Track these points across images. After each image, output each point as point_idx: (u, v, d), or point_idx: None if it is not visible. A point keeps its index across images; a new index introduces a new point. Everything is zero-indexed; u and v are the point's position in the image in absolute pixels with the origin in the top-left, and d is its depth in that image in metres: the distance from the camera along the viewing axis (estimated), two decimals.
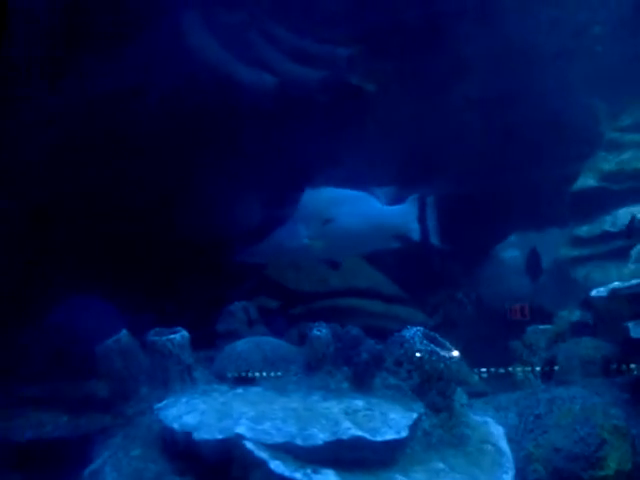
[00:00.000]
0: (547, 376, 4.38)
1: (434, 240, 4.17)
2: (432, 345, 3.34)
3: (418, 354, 3.30)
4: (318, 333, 3.36)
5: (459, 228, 6.41)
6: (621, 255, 5.70)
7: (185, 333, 3.43)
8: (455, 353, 3.42)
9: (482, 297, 6.93)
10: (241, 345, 3.58)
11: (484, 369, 4.59)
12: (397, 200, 4.30)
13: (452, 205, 6.41)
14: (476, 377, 4.73)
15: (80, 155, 4.08)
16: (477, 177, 6.29)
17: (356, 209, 4.12)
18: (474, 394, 4.22)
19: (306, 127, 4.81)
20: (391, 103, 5.58)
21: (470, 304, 6.58)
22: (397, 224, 4.12)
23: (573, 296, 5.77)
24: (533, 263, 5.82)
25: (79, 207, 4.14)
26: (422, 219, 4.03)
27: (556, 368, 4.35)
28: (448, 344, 3.45)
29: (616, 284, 4.65)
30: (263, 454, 2.81)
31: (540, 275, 5.85)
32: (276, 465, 2.77)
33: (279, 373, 3.42)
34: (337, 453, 2.88)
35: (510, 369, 4.74)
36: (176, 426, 3.03)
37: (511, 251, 7.35)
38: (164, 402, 3.22)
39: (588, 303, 5.03)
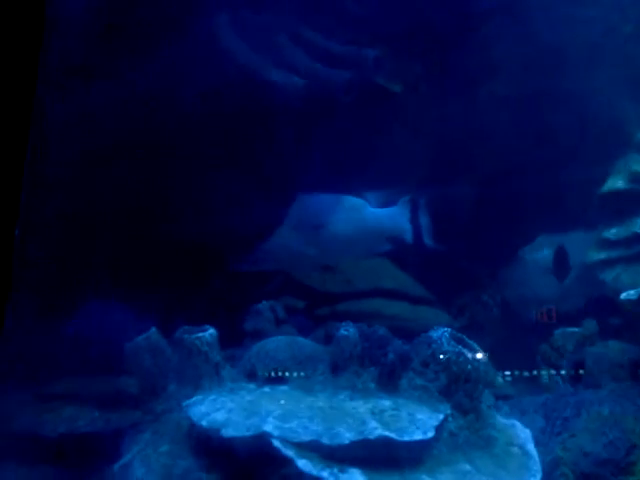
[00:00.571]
0: (575, 379, 4.34)
1: (427, 241, 4.16)
2: (460, 346, 3.34)
3: (446, 355, 3.29)
4: (345, 333, 3.38)
5: (485, 229, 6.39)
6: None
7: (213, 331, 3.48)
8: (482, 355, 3.41)
9: (508, 300, 6.87)
10: (269, 344, 3.61)
11: (509, 372, 4.56)
12: (389, 203, 4.28)
13: (479, 206, 6.41)
14: (502, 380, 4.70)
15: (115, 157, 4.15)
16: (504, 177, 6.24)
17: (347, 214, 4.11)
18: (500, 397, 4.20)
19: (329, 128, 4.82)
20: (418, 104, 5.57)
21: (496, 306, 6.53)
22: (389, 227, 4.11)
23: (605, 300, 5.69)
24: (560, 261, 5.75)
25: (113, 208, 4.21)
26: (414, 221, 4.02)
27: (583, 371, 4.31)
28: (475, 345, 3.44)
29: None
30: (290, 452, 2.84)
31: (568, 274, 5.79)
32: (303, 463, 2.80)
33: (306, 372, 3.44)
34: (363, 453, 2.90)
35: (536, 372, 4.70)
36: (204, 423, 3.07)
37: (538, 253, 7.27)
38: (192, 399, 3.27)
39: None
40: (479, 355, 3.37)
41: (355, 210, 3.99)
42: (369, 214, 4.01)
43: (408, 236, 4.03)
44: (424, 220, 4.08)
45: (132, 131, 4.13)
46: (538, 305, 6.11)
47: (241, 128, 4.47)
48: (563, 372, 4.52)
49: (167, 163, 4.26)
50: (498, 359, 5.14)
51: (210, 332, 3.45)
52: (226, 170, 4.49)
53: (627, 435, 3.33)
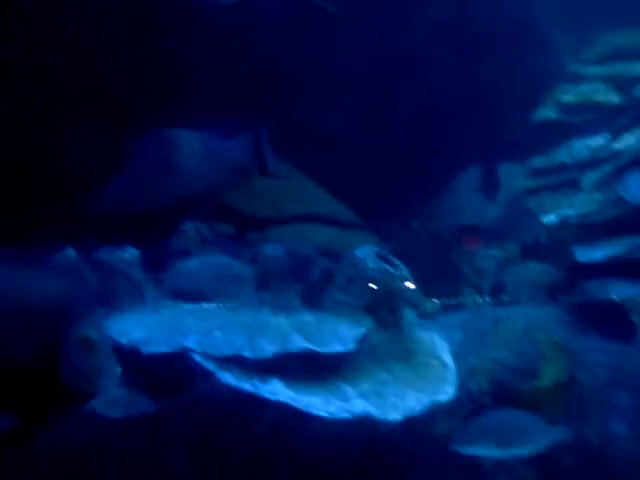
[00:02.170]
0: (494, 298, 4.51)
1: (270, 167, 4.17)
2: (383, 264, 3.39)
3: (370, 272, 3.34)
4: (270, 252, 3.36)
5: (417, 158, 6.44)
6: (575, 186, 5.79)
7: (134, 250, 3.39)
8: (405, 272, 3.47)
9: (438, 227, 7.03)
10: (192, 263, 3.56)
11: (436, 297, 4.71)
12: (234, 135, 4.20)
13: (411, 134, 6.43)
14: (427, 302, 4.85)
15: None
16: (437, 106, 6.25)
17: (193, 149, 4.01)
18: (424, 315, 4.34)
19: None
20: (353, 29, 5.45)
21: (425, 233, 6.66)
22: (233, 159, 4.06)
23: (528, 225, 5.90)
24: (489, 180, 5.90)
25: None
26: (258, 151, 3.99)
27: (502, 291, 4.48)
28: (400, 264, 3.50)
29: (566, 211, 4.77)
30: (211, 366, 2.85)
31: (497, 192, 5.95)
32: (224, 376, 2.81)
33: (231, 291, 3.43)
34: (285, 365, 2.93)
35: (461, 299, 4.86)
36: (124, 340, 3.02)
37: (469, 183, 7.40)
38: (112, 318, 3.21)
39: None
40: (403, 272, 3.43)
41: (201, 144, 3.88)
42: (214, 147, 3.90)
43: (252, 167, 3.99)
44: (267, 150, 4.05)
45: None
46: (467, 233, 6.28)
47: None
48: (484, 291, 4.71)
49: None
50: (426, 283, 5.29)
51: (130, 251, 3.36)
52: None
53: (537, 346, 3.51)
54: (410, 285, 3.85)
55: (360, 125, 6.16)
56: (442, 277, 5.99)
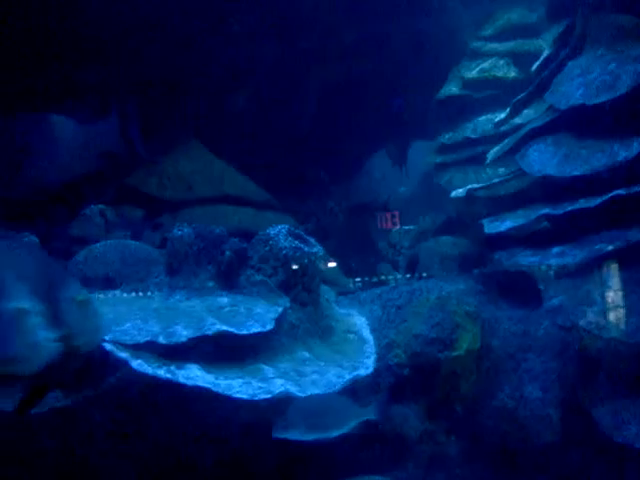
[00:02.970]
0: (410, 272, 4.59)
1: (140, 150, 4.07)
2: (297, 242, 3.34)
3: (283, 250, 3.28)
4: (179, 232, 3.24)
5: (332, 137, 6.42)
6: (481, 160, 5.96)
7: (33, 237, 3.17)
8: (318, 249, 3.44)
9: (354, 207, 7.08)
10: (97, 248, 3.38)
11: (355, 276, 4.73)
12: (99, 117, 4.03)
13: (325, 113, 6.40)
14: (346, 280, 4.87)
15: None
16: (345, 87, 6.25)
17: (54, 134, 3.80)
18: (343, 293, 4.35)
19: None
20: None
21: (341, 213, 6.69)
22: (100, 141, 3.90)
23: (439, 201, 6.03)
24: (402, 161, 6.02)
25: None
26: (125, 130, 3.85)
27: (416, 264, 4.56)
28: (313, 241, 3.47)
29: (472, 185, 4.90)
30: (123, 354, 2.72)
31: (405, 160, 6.07)
32: (138, 364, 2.70)
33: (140, 275, 3.28)
34: (202, 349, 2.85)
35: (379, 276, 4.91)
36: None
37: (380, 162, 7.49)
38: None
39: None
40: (316, 249, 3.40)
41: (61, 129, 3.67)
42: (77, 131, 3.70)
43: (120, 148, 3.82)
44: (134, 129, 3.90)
45: None
46: (381, 211, 6.36)
47: None
48: (400, 267, 4.77)
49: None
50: (344, 262, 5.32)
51: (29, 238, 3.13)
52: None
53: (451, 316, 3.60)
54: (331, 264, 3.82)
55: (270, 108, 6.07)
56: (360, 255, 6.05)
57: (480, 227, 4.35)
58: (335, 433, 2.80)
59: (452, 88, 6.43)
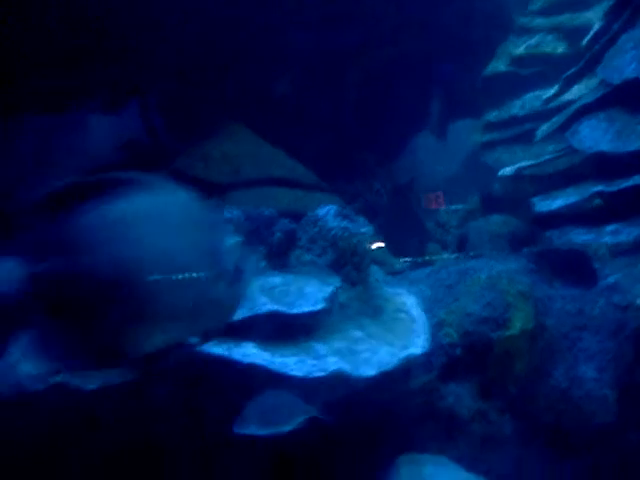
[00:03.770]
0: (459, 252, 4.55)
1: (163, 138, 4.06)
2: (345, 221, 3.35)
3: (332, 230, 3.30)
4: (229, 215, 3.28)
5: (375, 119, 6.39)
6: (529, 138, 5.85)
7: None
8: (368, 228, 3.45)
9: (399, 187, 7.04)
10: None
11: (403, 256, 4.71)
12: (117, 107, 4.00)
13: (367, 96, 6.37)
14: (395, 260, 4.84)
15: None
16: (392, 68, 6.20)
17: (74, 130, 3.81)
18: (391, 272, 4.34)
19: None
20: None
21: (387, 193, 6.67)
22: (122, 131, 3.89)
23: (487, 180, 5.95)
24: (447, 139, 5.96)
25: None
26: (146, 120, 3.82)
27: (466, 244, 4.51)
28: (362, 220, 3.47)
29: (521, 164, 4.82)
30: None
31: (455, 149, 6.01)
32: (196, 342, 2.76)
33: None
34: (256, 328, 2.89)
35: (428, 256, 4.87)
36: None
37: (426, 141, 7.41)
38: None
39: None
40: (365, 229, 3.40)
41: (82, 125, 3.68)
42: (98, 124, 3.70)
43: (143, 138, 3.81)
44: (156, 118, 3.89)
45: None
46: (427, 191, 6.31)
47: None
48: (448, 246, 4.73)
49: None
50: (392, 242, 5.30)
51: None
52: None
53: (503, 295, 3.56)
54: (378, 244, 3.82)
55: (313, 89, 6.07)
56: (407, 235, 6.02)
57: (530, 205, 4.28)
58: (287, 428, 2.85)
59: (499, 65, 6.30)
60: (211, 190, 4.72)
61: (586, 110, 4.49)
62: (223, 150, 5.13)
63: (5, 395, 2.98)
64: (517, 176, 4.78)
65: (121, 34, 4.45)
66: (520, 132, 5.92)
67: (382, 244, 4.41)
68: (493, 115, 6.17)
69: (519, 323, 3.45)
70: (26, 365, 2.99)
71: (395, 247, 5.22)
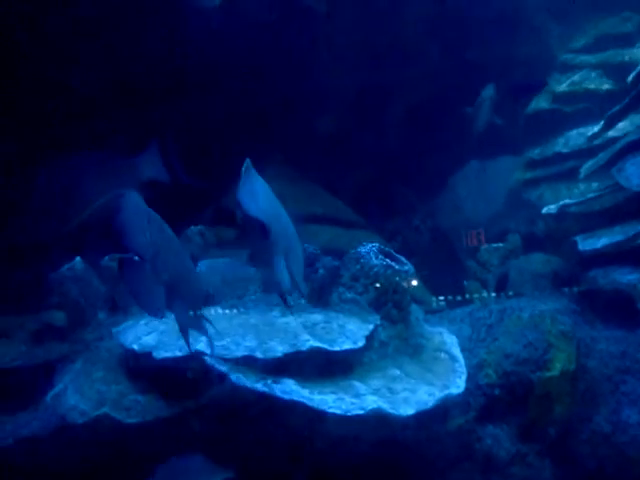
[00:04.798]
0: (499, 291, 4.53)
1: (182, 176, 4.15)
2: (387, 260, 3.41)
3: (374, 269, 3.36)
4: None
5: (416, 156, 6.46)
6: (573, 176, 5.82)
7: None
8: (409, 267, 3.49)
9: (439, 224, 7.05)
10: (199, 267, 3.58)
11: (442, 295, 4.72)
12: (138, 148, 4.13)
13: (408, 133, 6.46)
14: (433, 298, 4.86)
15: None
16: (434, 102, 6.28)
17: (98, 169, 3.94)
18: (430, 311, 4.36)
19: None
20: (343, 25, 5.47)
21: (427, 231, 6.69)
22: (142, 172, 3.99)
23: (529, 218, 5.92)
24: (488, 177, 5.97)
25: None
26: (166, 160, 3.93)
27: (507, 283, 4.49)
28: (403, 259, 3.52)
29: (565, 201, 4.79)
30: (224, 368, 2.87)
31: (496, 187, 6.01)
32: (237, 377, 2.84)
33: (238, 293, 3.44)
34: (297, 364, 2.96)
35: (467, 296, 4.86)
36: (136, 347, 3.05)
37: (466, 178, 7.43)
38: (122, 325, 3.23)
39: None
40: (407, 267, 3.45)
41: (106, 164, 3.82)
42: (120, 165, 3.84)
43: (164, 177, 3.93)
44: (174, 158, 4.01)
45: None
46: (468, 229, 6.31)
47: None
48: (489, 285, 4.72)
49: None
50: (431, 280, 5.31)
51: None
52: None
53: (544, 336, 3.53)
54: (414, 282, 3.86)
55: (354, 125, 6.19)
56: (446, 273, 6.02)
57: (573, 244, 4.25)
58: None
59: (541, 102, 6.32)
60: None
61: (632, 147, 4.47)
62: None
63: (50, 427, 3.11)
64: (561, 214, 4.75)
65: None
66: (564, 169, 5.90)
67: (418, 282, 4.43)
68: (536, 152, 6.16)
69: (560, 364, 3.41)
70: (71, 398, 3.11)
71: (433, 285, 5.24)
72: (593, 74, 6.27)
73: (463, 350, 3.53)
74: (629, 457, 3.22)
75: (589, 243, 4.10)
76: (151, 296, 2.37)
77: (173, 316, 3.22)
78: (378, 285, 3.38)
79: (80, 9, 4.15)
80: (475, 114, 5.98)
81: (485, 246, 5.17)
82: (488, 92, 5.89)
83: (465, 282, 5.26)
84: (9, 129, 4.21)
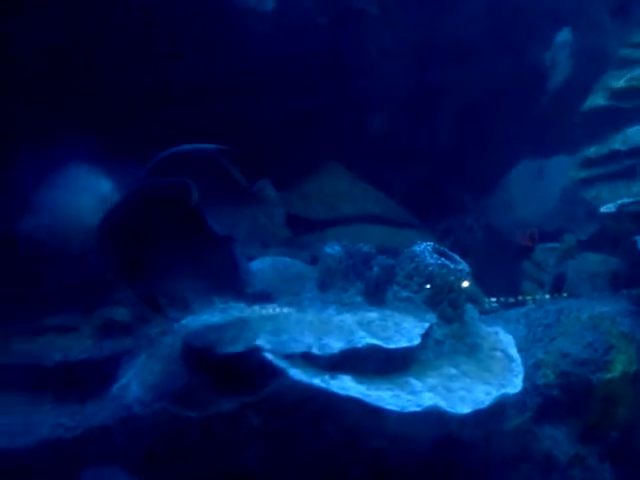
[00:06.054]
0: (556, 291, 4.47)
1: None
2: (442, 258, 3.42)
3: (429, 267, 3.37)
4: (330, 250, 3.43)
5: (468, 155, 6.42)
6: (632, 174, 5.67)
7: None
8: (465, 266, 3.49)
9: (493, 224, 6.97)
10: (256, 264, 3.66)
11: (495, 297, 4.67)
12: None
13: (460, 131, 6.42)
14: (486, 299, 4.82)
15: None
16: (486, 100, 6.23)
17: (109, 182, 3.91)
18: (484, 312, 4.33)
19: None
20: (394, 26, 5.49)
21: (480, 230, 6.63)
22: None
23: (586, 217, 5.80)
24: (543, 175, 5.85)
25: None
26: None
27: (564, 284, 4.42)
28: (458, 258, 3.52)
29: (623, 200, 4.68)
30: (282, 363, 2.93)
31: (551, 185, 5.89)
32: (295, 372, 2.90)
33: (294, 290, 3.51)
34: (353, 361, 3.00)
35: (520, 297, 4.80)
36: (197, 342, 3.14)
37: (521, 176, 7.31)
38: (184, 321, 3.34)
39: None
40: (462, 266, 3.45)
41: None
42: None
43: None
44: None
45: None
46: (522, 228, 6.22)
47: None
48: (545, 286, 4.65)
49: None
50: (483, 280, 5.27)
51: None
52: None
53: (604, 337, 3.48)
54: (466, 283, 3.84)
55: (407, 124, 6.20)
56: (501, 273, 5.96)
57: (633, 244, 4.16)
58: None
59: (598, 99, 6.18)
60: (309, 227, 4.94)
61: None
62: (321, 188, 5.35)
63: (116, 418, 3.24)
64: (619, 213, 4.64)
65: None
66: (622, 168, 5.75)
67: (468, 283, 4.39)
68: (592, 151, 6.03)
69: (621, 366, 3.35)
70: (136, 390, 3.23)
71: (487, 286, 5.20)
72: None
73: (519, 350, 3.51)
74: None
75: None
76: None
77: (232, 312, 3.32)
78: (433, 284, 3.38)
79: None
80: (551, 64, 5.58)
81: (540, 246, 5.10)
82: (564, 36, 5.44)
83: (521, 283, 5.20)
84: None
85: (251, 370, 3.09)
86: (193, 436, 3.17)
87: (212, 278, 3.09)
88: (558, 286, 4.54)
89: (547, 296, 4.54)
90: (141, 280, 2.92)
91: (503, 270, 6.02)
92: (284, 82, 5.08)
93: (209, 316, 3.32)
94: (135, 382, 3.28)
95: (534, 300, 4.55)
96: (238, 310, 3.38)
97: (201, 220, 2.78)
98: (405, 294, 3.37)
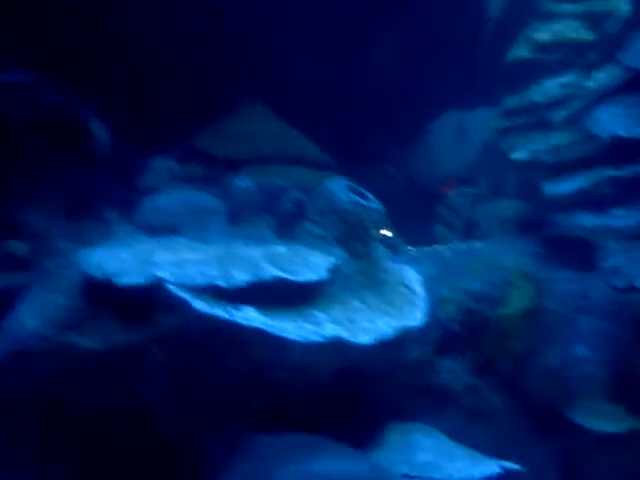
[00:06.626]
0: (466, 234, 4.59)
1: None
2: (356, 196, 3.41)
3: (342, 204, 3.36)
4: (241, 184, 3.37)
5: (391, 104, 6.41)
6: (548, 125, 5.81)
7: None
8: (377, 204, 3.50)
9: (414, 174, 7.04)
10: (163, 198, 3.56)
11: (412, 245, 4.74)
12: None
13: (387, 79, 6.39)
14: (403, 246, 4.88)
15: None
16: (412, 51, 6.21)
17: None
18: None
19: None
20: None
21: (401, 179, 6.69)
22: None
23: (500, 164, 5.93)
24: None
25: None
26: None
27: (474, 226, 4.55)
28: (371, 196, 3.53)
29: (536, 147, 4.82)
30: (185, 295, 2.88)
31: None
32: (198, 304, 2.85)
33: (202, 224, 3.44)
34: (258, 293, 2.98)
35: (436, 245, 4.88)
36: (97, 274, 3.04)
37: (443, 127, 7.39)
38: (85, 252, 3.21)
39: None
40: (374, 205, 3.46)
41: None
42: None
43: None
44: None
45: None
46: (442, 177, 6.33)
47: None
48: (457, 229, 4.77)
49: None
50: (401, 227, 5.34)
51: None
52: None
53: (506, 276, 3.60)
54: (387, 233, 3.86)
55: (332, 68, 6.11)
56: (417, 221, 6.06)
57: (541, 190, 4.30)
58: None
59: (521, 51, 6.26)
60: (227, 167, 4.83)
61: (606, 96, 4.48)
62: (240, 127, 5.23)
63: (10, 352, 3.11)
64: (531, 161, 4.78)
65: None
66: (539, 119, 5.89)
67: (390, 233, 4.45)
68: (513, 102, 6.14)
69: (518, 302, 3.50)
70: (33, 322, 3.11)
71: (407, 235, 5.28)
72: (575, 24, 6.21)
73: (427, 289, 3.59)
74: (576, 390, 3.33)
75: (555, 188, 4.16)
76: None
77: (135, 245, 3.22)
78: (345, 221, 3.39)
79: None
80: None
81: (455, 191, 5.20)
82: None
83: (435, 227, 5.31)
84: None
85: (154, 303, 3.02)
86: (93, 369, 3.09)
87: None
88: (469, 230, 4.66)
89: (461, 239, 4.66)
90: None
91: (421, 217, 6.14)
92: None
93: (110, 248, 3.21)
94: (32, 315, 3.16)
95: (448, 242, 4.66)
96: (142, 242, 3.28)
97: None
98: (316, 230, 3.37)
